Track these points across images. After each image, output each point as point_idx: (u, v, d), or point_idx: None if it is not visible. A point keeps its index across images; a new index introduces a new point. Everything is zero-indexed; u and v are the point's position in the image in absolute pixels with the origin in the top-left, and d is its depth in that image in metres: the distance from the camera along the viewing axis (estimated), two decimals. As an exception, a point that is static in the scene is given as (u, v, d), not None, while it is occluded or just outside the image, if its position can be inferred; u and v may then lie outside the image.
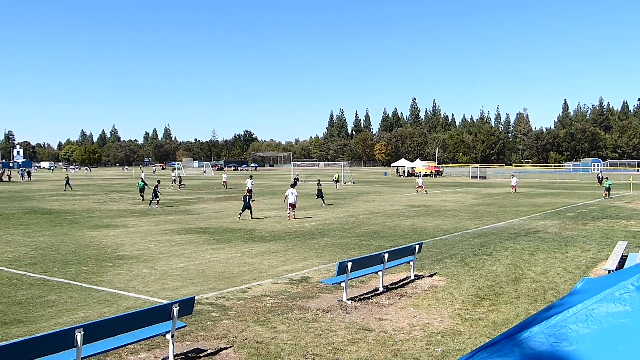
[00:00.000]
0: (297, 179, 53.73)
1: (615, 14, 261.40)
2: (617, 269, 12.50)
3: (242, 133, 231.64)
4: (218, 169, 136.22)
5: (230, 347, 8.79)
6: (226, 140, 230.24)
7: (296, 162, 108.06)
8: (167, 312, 8.09)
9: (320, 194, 35.79)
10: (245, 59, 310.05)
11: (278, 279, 13.87)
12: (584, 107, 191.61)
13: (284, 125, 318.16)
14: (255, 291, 12.57)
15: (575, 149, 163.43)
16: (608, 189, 41.34)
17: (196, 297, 10.64)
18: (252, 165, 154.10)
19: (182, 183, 57.43)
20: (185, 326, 9.02)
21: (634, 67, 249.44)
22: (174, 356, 8.25)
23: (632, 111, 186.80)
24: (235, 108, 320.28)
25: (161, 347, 8.72)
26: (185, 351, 8.63)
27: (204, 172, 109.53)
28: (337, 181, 59.31)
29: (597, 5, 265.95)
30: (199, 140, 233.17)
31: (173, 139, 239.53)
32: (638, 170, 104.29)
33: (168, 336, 8.19)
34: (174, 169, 79.95)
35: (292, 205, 27.38)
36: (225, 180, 58.81)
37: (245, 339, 9.17)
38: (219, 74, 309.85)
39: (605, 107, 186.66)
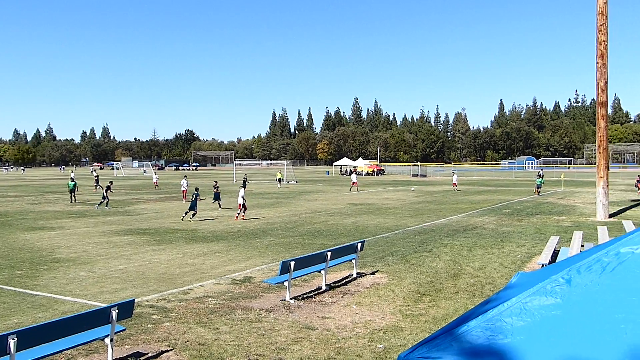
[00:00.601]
0: (246, 179, 53.12)
1: (548, 17, 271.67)
2: (549, 263, 12.99)
3: (184, 132, 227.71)
4: (159, 169, 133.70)
5: (171, 349, 8.64)
6: (167, 139, 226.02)
7: (239, 162, 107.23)
8: (105, 316, 7.88)
9: (217, 197, 32.23)
10: (186, 57, 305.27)
11: (220, 279, 13.73)
12: (518, 107, 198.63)
13: (226, 125, 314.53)
14: (197, 292, 12.40)
15: (510, 148, 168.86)
16: (539, 186, 42.89)
17: (136, 300, 10.41)
18: (194, 164, 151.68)
19: (98, 184, 54.19)
20: (124, 330, 8.80)
21: (566, 69, 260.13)
22: (113, 361, 8.04)
23: (563, 111, 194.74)
24: (177, 107, 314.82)
25: (100, 352, 8.49)
26: (125, 355, 8.42)
27: (144, 172, 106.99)
28: (280, 180, 59.42)
29: (531, 9, 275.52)
30: (139, 140, 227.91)
31: (112, 138, 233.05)
32: (569, 168, 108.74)
33: (107, 340, 7.97)
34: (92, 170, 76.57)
35: (242, 206, 26.87)
36: (156, 180, 56.41)
37: (187, 341, 9.03)
38: (159, 72, 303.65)
39: (538, 107, 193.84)
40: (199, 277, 13.94)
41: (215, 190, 32.63)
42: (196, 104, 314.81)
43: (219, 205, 32.04)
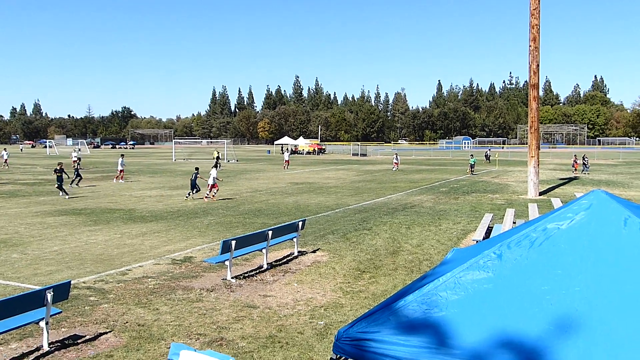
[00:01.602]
0: (219, 158, 53.60)
1: (484, 1, 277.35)
2: (484, 239, 13.46)
3: (120, 109, 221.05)
4: (94, 147, 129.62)
5: (110, 331, 8.51)
6: (103, 116, 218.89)
7: (178, 140, 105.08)
8: (40, 299, 7.68)
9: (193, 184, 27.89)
10: (122, 31, 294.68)
11: (160, 259, 13.56)
12: (456, 88, 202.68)
13: (165, 102, 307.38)
14: (136, 273, 12.21)
15: (448, 128, 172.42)
16: (472, 166, 44.16)
17: (72, 282, 10.17)
18: (131, 143, 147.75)
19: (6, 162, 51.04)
20: (60, 312, 8.59)
21: (501, 51, 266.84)
22: (49, 344, 7.85)
23: (498, 92, 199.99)
24: (113, 83, 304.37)
25: (34, 336, 8.27)
26: (61, 338, 8.24)
27: (79, 150, 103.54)
28: (217, 158, 59.00)
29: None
30: (73, 117, 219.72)
31: (44, 115, 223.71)
32: (503, 148, 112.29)
33: (42, 324, 7.77)
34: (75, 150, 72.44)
35: (211, 186, 25.78)
36: (6, 158, 51.19)
37: (126, 322, 8.92)
38: (94, 46, 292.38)
39: (475, 88, 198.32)
40: (137, 258, 13.71)
41: (192, 176, 28.51)
42: (133, 80, 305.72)
43: (190, 192, 27.07)
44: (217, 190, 26.23)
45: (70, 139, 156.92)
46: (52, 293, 7.75)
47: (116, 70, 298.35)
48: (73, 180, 32.57)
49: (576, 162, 44.51)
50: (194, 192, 26.28)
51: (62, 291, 8.09)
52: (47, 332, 7.84)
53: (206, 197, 25.71)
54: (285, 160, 53.40)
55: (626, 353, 3.38)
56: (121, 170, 35.93)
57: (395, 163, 49.45)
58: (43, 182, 35.97)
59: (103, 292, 10.68)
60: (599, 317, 3.59)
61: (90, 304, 9.86)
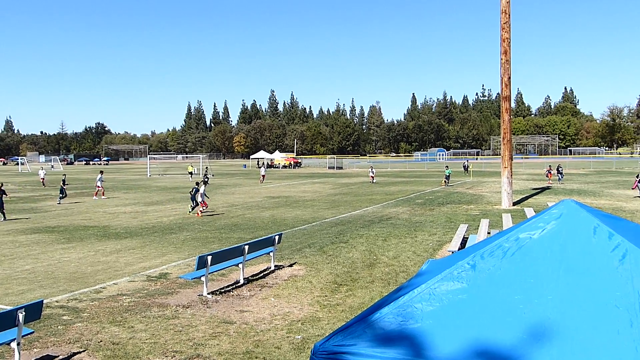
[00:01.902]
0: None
1: (455, 15, 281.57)
2: (459, 249, 13.56)
3: (94, 125, 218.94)
4: (67, 164, 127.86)
5: (84, 350, 8.37)
6: (76, 132, 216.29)
7: (153, 156, 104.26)
8: (11, 319, 7.51)
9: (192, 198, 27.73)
10: (96, 46, 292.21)
11: (135, 276, 13.39)
12: (430, 101, 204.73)
13: (140, 118, 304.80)
14: (111, 291, 12.04)
15: (423, 140, 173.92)
16: (447, 177, 44.49)
17: (45, 301, 9.98)
18: (105, 159, 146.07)
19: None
20: (33, 332, 8.42)
21: (473, 65, 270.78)
22: (21, 365, 7.69)
23: (471, 104, 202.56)
24: (86, 99, 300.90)
25: (5, 357, 8.10)
26: (34, 359, 8.07)
27: (52, 167, 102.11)
28: (191, 173, 59.01)
29: (439, 7, 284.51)
30: (46, 133, 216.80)
31: (16, 131, 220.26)
32: (477, 159, 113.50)
33: (13, 344, 7.61)
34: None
35: (203, 203, 25.80)
36: (43, 177, 50.47)
37: (101, 341, 8.77)
38: (67, 62, 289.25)
39: (448, 100, 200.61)
40: (112, 275, 13.52)
41: (192, 190, 27.33)
42: (107, 96, 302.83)
43: (192, 206, 27.01)
44: (205, 208, 26.05)
45: (43, 155, 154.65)
46: (23, 313, 7.59)
47: (90, 86, 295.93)
48: (61, 198, 32.97)
49: (550, 172, 45.19)
50: (195, 205, 26.53)
51: (34, 311, 7.93)
52: (19, 353, 7.67)
53: (200, 212, 25.73)
54: (262, 175, 53.72)
55: (598, 359, 3.42)
56: (99, 187, 35.52)
57: (371, 176, 49.19)
58: (14, 199, 35.32)
59: (76, 310, 10.50)
60: (571, 325, 3.64)
61: (64, 323, 9.68)
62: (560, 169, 45.22)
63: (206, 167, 62.05)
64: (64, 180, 34.89)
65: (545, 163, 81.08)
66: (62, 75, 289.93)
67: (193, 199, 26.61)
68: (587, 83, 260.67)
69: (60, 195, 33.18)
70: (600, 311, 3.69)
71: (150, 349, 8.37)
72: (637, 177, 31.53)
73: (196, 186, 27.05)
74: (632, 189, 32.68)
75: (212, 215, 25.67)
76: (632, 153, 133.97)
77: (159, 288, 12.25)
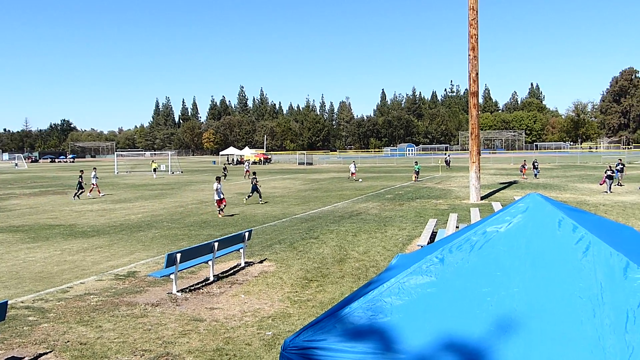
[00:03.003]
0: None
1: (424, 12, 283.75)
2: (428, 244, 13.70)
3: (60, 122, 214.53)
4: (32, 162, 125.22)
5: (50, 351, 8.22)
6: (41, 130, 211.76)
7: (120, 153, 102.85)
8: (-26, 321, 7.35)
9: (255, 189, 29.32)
10: (60, 41, 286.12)
11: (103, 275, 13.20)
12: (399, 97, 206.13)
13: (106, 114, 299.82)
14: (78, 290, 11.85)
15: (392, 135, 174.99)
16: (417, 172, 44.75)
17: (10, 302, 9.80)
18: (71, 156, 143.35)
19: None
20: (-4, 334, 8.26)
21: (442, 60, 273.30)
22: (-16, 368, 7.53)
23: (440, 100, 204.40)
24: (51, 95, 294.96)
25: (-32, 360, 7.91)
26: (-3, 361, 7.91)
27: (16, 165, 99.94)
28: (155, 170, 58.47)
29: (408, 4, 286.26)
30: (9, 131, 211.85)
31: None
32: (445, 154, 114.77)
33: (-24, 346, 7.44)
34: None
35: (221, 202, 23.78)
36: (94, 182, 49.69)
37: (68, 341, 8.63)
38: (30, 58, 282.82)
39: (417, 96, 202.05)
40: (79, 274, 13.31)
41: (254, 182, 29.29)
42: (73, 93, 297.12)
43: (259, 196, 29.42)
44: (225, 205, 24.25)
45: (6, 153, 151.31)
46: (-14, 314, 7.43)
47: (55, 82, 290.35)
48: (76, 193, 33.17)
49: (524, 167, 45.65)
50: (250, 195, 29.26)
51: (-3, 311, 7.77)
52: (-18, 355, 7.51)
53: (220, 213, 23.72)
54: (246, 170, 53.60)
55: (563, 350, 3.50)
56: (94, 184, 34.87)
57: (353, 173, 46.80)
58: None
59: (43, 311, 10.31)
60: (536, 316, 3.72)
61: (29, 324, 9.49)
62: (536, 163, 45.18)
63: (156, 164, 61.19)
64: (80, 176, 34.38)
65: (513, 158, 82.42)
66: (26, 71, 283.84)
67: (254, 188, 28.70)
68: (553, 79, 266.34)
69: (81, 190, 33.27)
70: (565, 302, 3.78)
71: (119, 348, 8.27)
72: (605, 172, 31.67)
73: (254, 176, 29.75)
74: (600, 184, 32.80)
75: (232, 216, 25.43)
76: (592, 148, 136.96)
77: (128, 287, 12.10)
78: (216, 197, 23.65)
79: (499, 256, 4.20)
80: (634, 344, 3.39)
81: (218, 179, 24.48)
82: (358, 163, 56.62)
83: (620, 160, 38.16)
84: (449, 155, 72.59)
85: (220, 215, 23.39)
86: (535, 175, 44.28)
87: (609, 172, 31.29)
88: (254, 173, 31.29)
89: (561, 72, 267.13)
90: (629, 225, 5.96)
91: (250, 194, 29.24)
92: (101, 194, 34.92)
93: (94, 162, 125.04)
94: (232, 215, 23.26)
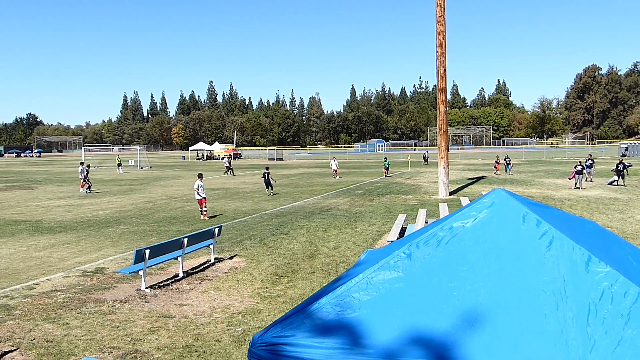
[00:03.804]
0: (230, 165, 51.60)
1: (392, 8, 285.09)
2: (397, 239, 13.79)
3: (25, 116, 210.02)
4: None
5: (16, 349, 8.05)
6: (6, 124, 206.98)
7: (88, 147, 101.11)
8: None
9: (268, 182, 31.03)
10: (25, 33, 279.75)
11: (70, 272, 12.97)
12: (369, 92, 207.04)
13: (73, 108, 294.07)
14: (44, 287, 11.63)
15: (362, 131, 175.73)
16: (387, 168, 44.95)
17: (-28, 300, 9.56)
18: (37, 151, 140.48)
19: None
20: (-41, 334, 8.06)
21: (411, 56, 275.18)
22: (-54, 368, 7.35)
23: (409, 96, 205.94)
24: (16, 88, 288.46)
25: None
26: (-41, 361, 7.72)
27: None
28: (119, 165, 57.68)
29: (377, 1, 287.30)
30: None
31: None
32: (414, 150, 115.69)
33: (-63, 347, 7.24)
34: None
35: (202, 201, 21.62)
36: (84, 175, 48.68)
37: (34, 338, 8.46)
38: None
39: (387, 92, 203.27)
40: (45, 271, 13.06)
41: (266, 176, 31.17)
42: (39, 86, 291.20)
43: (271, 189, 31.34)
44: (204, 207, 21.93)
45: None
46: (-52, 313, 7.24)
47: (20, 75, 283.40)
48: (89, 187, 33.38)
49: (497, 163, 45.93)
50: (271, 189, 30.81)
51: (-41, 311, 7.58)
52: (-56, 356, 7.33)
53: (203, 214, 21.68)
54: (226, 167, 52.46)
55: (527, 343, 3.56)
56: (82, 179, 34.16)
57: (335, 170, 43.74)
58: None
59: (8, 308, 10.09)
60: (501, 310, 3.77)
61: (-7, 323, 9.29)
62: (507, 159, 45.59)
63: (119, 159, 60.19)
64: (87, 171, 34.05)
65: (481, 154, 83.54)
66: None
67: (268, 183, 30.48)
68: (519, 76, 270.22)
69: (88, 184, 33.41)
70: (529, 296, 3.84)
71: (86, 346, 8.15)
72: (575, 167, 31.64)
73: (266, 170, 31.32)
74: (569, 178, 32.97)
75: (148, 205, 25.13)
76: (553, 144, 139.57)
77: (95, 283, 11.92)
78: (197, 196, 21.64)
79: (465, 251, 4.25)
80: (595, 337, 3.47)
81: (200, 175, 22.76)
82: (327, 159, 56.43)
83: (590, 155, 38.69)
84: (427, 152, 72.82)
85: (203, 218, 21.27)
86: (506, 170, 44.52)
87: (578, 167, 31.27)
88: (267, 168, 33.01)
89: (527, 69, 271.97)
90: (592, 220, 6.09)
91: (268, 187, 30.89)
92: (83, 189, 34.13)
93: (61, 157, 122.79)
94: (216, 216, 22.13)
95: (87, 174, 33.95)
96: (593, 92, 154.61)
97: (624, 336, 3.45)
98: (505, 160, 45.63)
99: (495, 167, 46.47)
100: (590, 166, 35.38)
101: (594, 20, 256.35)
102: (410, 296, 4.05)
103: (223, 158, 66.98)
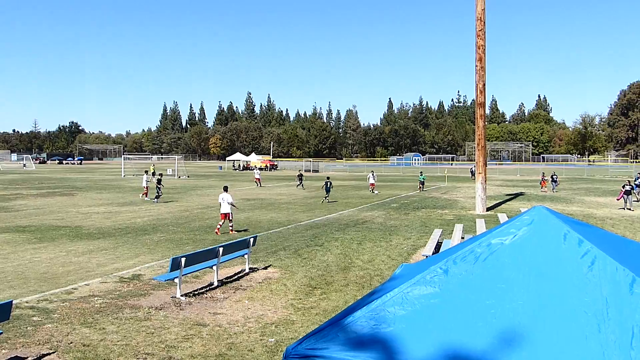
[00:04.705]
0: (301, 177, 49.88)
1: (432, 21, 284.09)
2: (433, 254, 13.64)
3: (68, 124, 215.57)
4: (40, 163, 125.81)
5: (54, 352, 8.22)
6: (49, 131, 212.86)
7: (127, 156, 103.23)
8: (-22, 320, 7.36)
9: (327, 189, 34.74)
10: (70, 45, 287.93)
11: (107, 277, 13.21)
12: (406, 106, 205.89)
13: (115, 117, 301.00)
14: (82, 291, 11.86)
15: (399, 144, 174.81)
16: (422, 183, 44.43)
17: (14, 301, 9.82)
18: (78, 158, 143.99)
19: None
20: (1, 333, 8.28)
21: (449, 70, 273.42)
22: (-13, 367, 7.54)
23: (447, 110, 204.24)
24: (60, 97, 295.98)
25: (-29, 359, 7.91)
26: (1, 361, 7.92)
27: (24, 166, 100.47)
28: (153, 173, 58.50)
29: (414, 15, 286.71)
30: (18, 132, 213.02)
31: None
32: (452, 164, 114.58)
33: (-20, 346, 7.44)
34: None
35: (226, 215, 20.50)
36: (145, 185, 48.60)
37: (71, 342, 8.63)
38: (40, 59, 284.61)
39: (424, 106, 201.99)
40: (84, 276, 13.32)
41: (328, 185, 34.83)
42: (82, 95, 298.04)
43: (328, 196, 34.36)
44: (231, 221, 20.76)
45: (15, 154, 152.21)
46: (-9, 314, 7.45)
47: (64, 85, 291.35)
48: (157, 196, 33.23)
49: (544, 180, 44.22)
50: (327, 196, 33.72)
51: (3, 311, 7.78)
52: (-14, 355, 7.52)
53: (217, 229, 20.43)
54: (256, 178, 50.94)
55: (567, 365, 3.47)
56: (146, 187, 34.86)
57: (372, 184, 42.37)
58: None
59: (47, 311, 10.32)
60: (540, 330, 3.68)
61: (33, 324, 9.50)
62: (554, 176, 44.05)
63: (153, 168, 60.67)
64: (159, 180, 34.26)
65: (519, 169, 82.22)
66: (36, 73, 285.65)
67: (328, 190, 33.80)
68: (560, 91, 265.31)
69: (158, 194, 33.29)
70: (569, 316, 3.74)
71: (122, 351, 8.26)
72: (623, 187, 29.67)
73: (327, 179, 34.64)
74: (617, 199, 30.89)
75: (185, 214, 25.45)
76: (590, 161, 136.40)
77: (132, 289, 12.10)
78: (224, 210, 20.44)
79: (504, 269, 4.17)
80: (638, 361, 3.36)
81: (226, 188, 21.52)
82: (364, 172, 56.11)
83: None
84: (474, 166, 71.50)
85: (231, 232, 20.27)
86: (553, 188, 42.96)
87: (627, 187, 29.25)
88: (328, 177, 35.76)
89: (569, 84, 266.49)
90: (636, 240, 5.92)
91: (327, 195, 33.92)
92: (147, 197, 34.70)
93: (102, 165, 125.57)
94: (242, 230, 21.45)
95: (159, 182, 33.92)
96: (638, 109, 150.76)
97: (669, 361, 3.33)
98: (552, 177, 43.90)
99: (540, 184, 44.65)
100: (639, 185, 34.03)
101: (638, 36, 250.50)
102: (446, 312, 3.99)
103: (254, 169, 66.90)
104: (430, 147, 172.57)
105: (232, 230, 20.51)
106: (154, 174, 58.91)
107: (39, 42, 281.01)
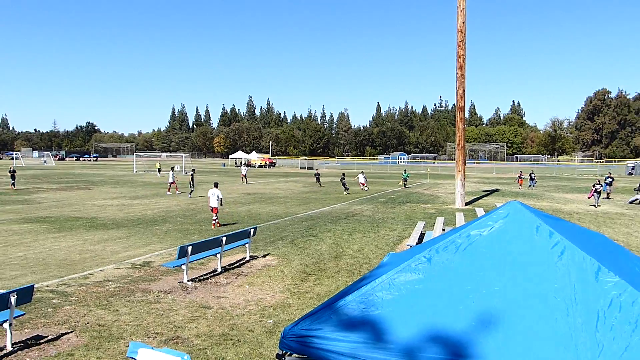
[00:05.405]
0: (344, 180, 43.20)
1: (414, 32, 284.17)
2: (417, 244, 13.66)
3: (85, 124, 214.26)
4: (59, 159, 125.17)
5: (71, 331, 8.19)
6: (68, 131, 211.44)
7: (139, 154, 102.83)
8: (4, 301, 7.33)
9: (344, 184, 36.92)
10: (87, 49, 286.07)
11: (120, 264, 13.15)
12: (393, 109, 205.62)
13: (127, 118, 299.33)
14: (98, 277, 11.81)
15: (386, 144, 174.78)
16: (405, 180, 44.30)
17: (36, 285, 9.76)
18: (94, 155, 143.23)
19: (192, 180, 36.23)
20: (24, 314, 8.23)
21: (432, 77, 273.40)
22: (12, 344, 7.50)
23: (430, 114, 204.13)
24: (78, 99, 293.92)
25: (-4, 338, 7.87)
26: (24, 339, 7.87)
27: (44, 162, 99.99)
28: (159, 170, 58.41)
29: (398, 27, 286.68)
30: (39, 131, 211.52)
31: (11, 128, 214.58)
32: (434, 163, 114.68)
33: (5, 325, 7.42)
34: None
35: (213, 209, 19.71)
36: (244, 173, 48.62)
37: (87, 322, 8.60)
38: (60, 63, 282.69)
39: (409, 109, 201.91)
40: (99, 263, 13.27)
41: (342, 179, 37.44)
42: (97, 97, 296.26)
43: (347, 189, 36.39)
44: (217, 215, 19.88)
45: (36, 151, 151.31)
46: (15, 296, 7.41)
47: (81, 87, 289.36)
48: (191, 192, 32.79)
49: (520, 178, 43.63)
50: (346, 190, 35.36)
51: (25, 294, 7.74)
52: (11, 333, 7.49)
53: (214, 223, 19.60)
54: (242, 175, 49.01)
55: (538, 345, 3.48)
56: (172, 182, 34.55)
57: (362, 183, 39.61)
58: (8, 191, 34.47)
59: (65, 295, 10.27)
60: (514, 313, 3.70)
61: (53, 306, 9.46)
62: (532, 174, 43.57)
63: (159, 164, 60.01)
64: (192, 176, 34.03)
65: (495, 168, 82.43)
66: (56, 76, 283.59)
67: (344, 185, 35.45)
68: (533, 97, 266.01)
69: (191, 189, 32.88)
70: (541, 301, 3.76)
71: (134, 331, 8.24)
72: (594, 186, 28.92)
73: (342, 176, 36.39)
74: (588, 197, 30.09)
75: (191, 207, 25.38)
76: (559, 161, 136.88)
77: (143, 275, 12.06)
78: (212, 204, 19.72)
79: (481, 257, 4.19)
80: (603, 342, 3.38)
81: (216, 184, 21.01)
82: (354, 169, 56.20)
83: (610, 173, 37.08)
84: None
85: (213, 227, 19.31)
86: (530, 186, 42.42)
87: (597, 187, 28.63)
88: (343, 174, 38.00)
89: (541, 91, 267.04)
90: (600, 232, 5.94)
91: (346, 189, 35.90)
92: (178, 192, 34.39)
93: (115, 162, 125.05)
94: (232, 224, 21.34)
95: (192, 178, 33.58)
96: (602, 114, 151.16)
97: (631, 343, 3.35)
98: (530, 175, 43.41)
99: (518, 181, 43.88)
100: (610, 184, 33.74)
101: (605, 46, 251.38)
102: (430, 297, 4.00)
103: (240, 166, 65.51)
104: (415, 147, 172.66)
105: (215, 224, 19.44)
106: (159, 170, 58.79)
107: (59, 48, 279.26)
